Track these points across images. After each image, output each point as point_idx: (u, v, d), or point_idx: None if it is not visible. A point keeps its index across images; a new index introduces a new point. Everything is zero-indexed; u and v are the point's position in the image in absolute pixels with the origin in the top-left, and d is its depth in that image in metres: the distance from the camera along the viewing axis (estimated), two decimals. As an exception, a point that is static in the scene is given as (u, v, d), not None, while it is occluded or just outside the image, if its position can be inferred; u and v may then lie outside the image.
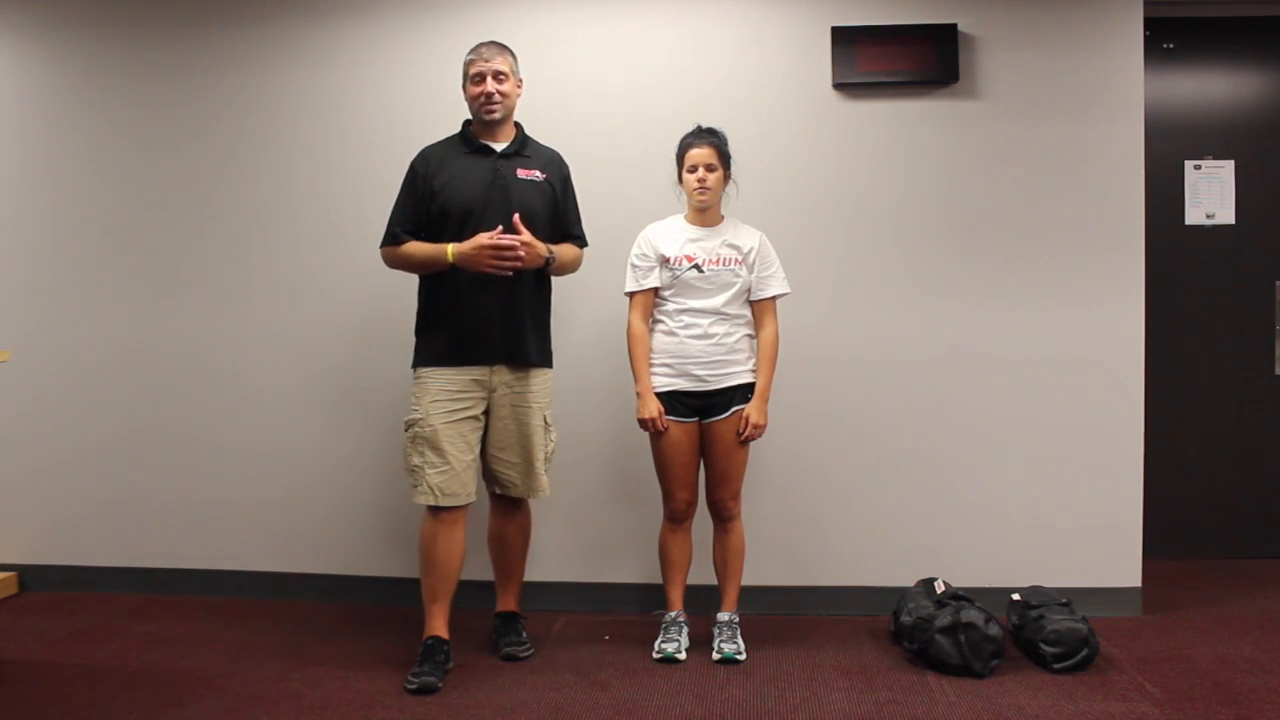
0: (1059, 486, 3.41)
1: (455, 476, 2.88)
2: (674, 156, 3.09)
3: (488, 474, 3.05)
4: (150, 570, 3.71)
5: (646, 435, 3.08)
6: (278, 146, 3.64)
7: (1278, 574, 3.81)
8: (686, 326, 3.02)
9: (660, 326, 3.07)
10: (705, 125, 3.08)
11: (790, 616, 3.41)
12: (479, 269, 2.83)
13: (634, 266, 3.08)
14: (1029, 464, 3.42)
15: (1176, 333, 3.95)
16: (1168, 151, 3.91)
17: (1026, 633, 2.98)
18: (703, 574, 3.19)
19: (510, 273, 2.87)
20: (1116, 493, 3.39)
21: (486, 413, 2.97)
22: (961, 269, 3.44)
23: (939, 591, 3.08)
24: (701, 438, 3.05)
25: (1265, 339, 4.00)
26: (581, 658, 3.04)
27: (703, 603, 3.18)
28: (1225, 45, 3.99)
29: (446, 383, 2.90)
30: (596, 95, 3.51)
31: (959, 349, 3.44)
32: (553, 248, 2.97)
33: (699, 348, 3.01)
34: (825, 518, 3.48)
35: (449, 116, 3.16)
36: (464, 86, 3.01)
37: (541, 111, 3.22)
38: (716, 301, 3.02)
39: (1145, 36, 3.40)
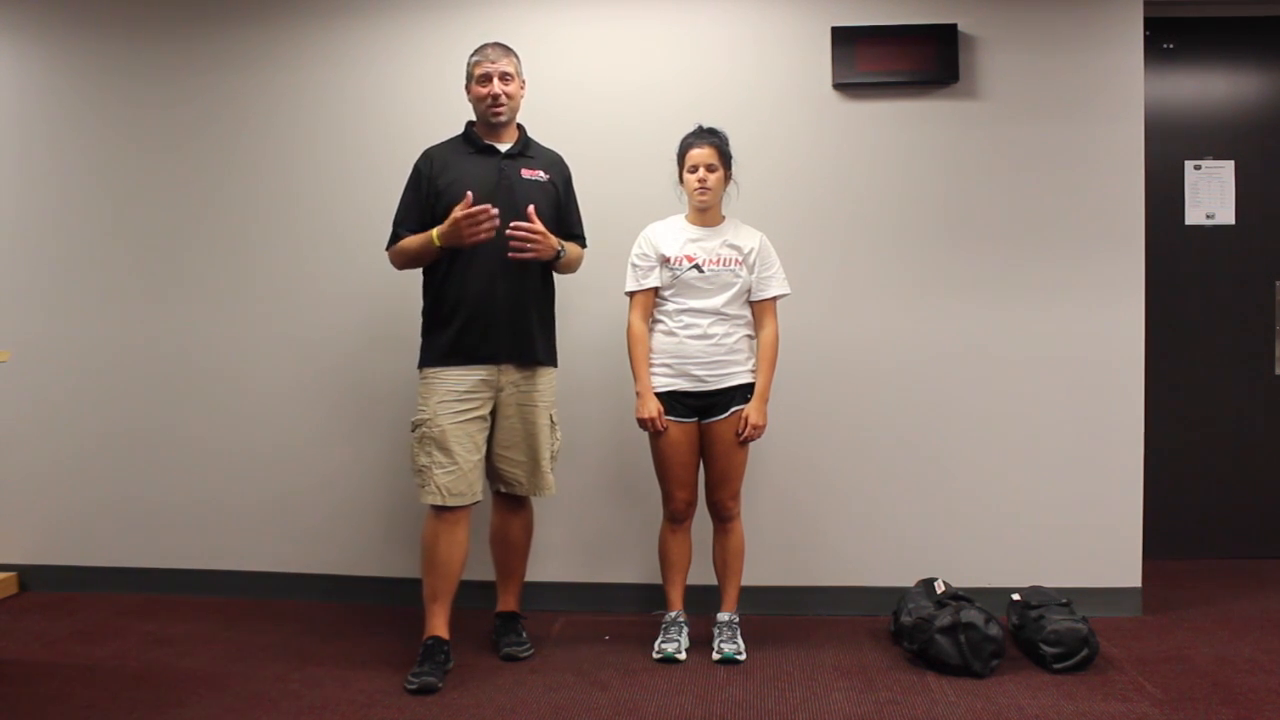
0: (1059, 486, 3.41)
1: (462, 476, 2.89)
2: (674, 156, 3.09)
3: (492, 472, 3.06)
4: (150, 570, 3.71)
5: (646, 435, 3.08)
6: (278, 146, 3.64)
7: (1278, 574, 3.81)
8: (686, 326, 3.02)
9: (660, 326, 3.07)
10: (706, 125, 3.08)
11: (790, 616, 3.41)
12: (463, 243, 2.83)
13: (634, 266, 3.08)
14: (1029, 464, 3.42)
15: (1176, 333, 3.95)
16: (1168, 151, 3.92)
17: (1026, 633, 2.98)
18: (703, 574, 3.19)
19: (530, 256, 2.88)
20: (1116, 493, 3.39)
21: (493, 412, 2.98)
22: (961, 269, 3.44)
23: (939, 591, 3.08)
24: (701, 438, 3.05)
25: (1265, 339, 4.00)
26: (581, 658, 3.04)
27: (703, 603, 3.18)
28: (1225, 45, 3.99)
29: (454, 383, 2.91)
30: (596, 95, 3.51)
31: (959, 349, 3.44)
32: (564, 243, 2.99)
33: (699, 348, 3.01)
34: (825, 518, 3.48)
35: (450, 116, 3.17)
36: (468, 87, 3.02)
37: (542, 111, 3.22)
38: (716, 302, 3.02)
39: (1145, 36, 3.40)
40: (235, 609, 3.52)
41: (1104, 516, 3.39)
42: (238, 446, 3.67)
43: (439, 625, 2.90)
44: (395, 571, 3.56)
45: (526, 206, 2.89)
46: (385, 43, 3.59)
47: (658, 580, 3.19)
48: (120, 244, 3.72)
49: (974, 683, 2.80)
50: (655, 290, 3.06)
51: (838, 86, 3.45)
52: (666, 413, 3.02)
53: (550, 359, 3.06)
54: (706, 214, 3.07)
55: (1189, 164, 3.98)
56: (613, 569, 3.53)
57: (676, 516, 3.09)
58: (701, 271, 3.01)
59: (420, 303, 3.04)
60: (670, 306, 3.04)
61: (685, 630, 3.08)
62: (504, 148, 3.01)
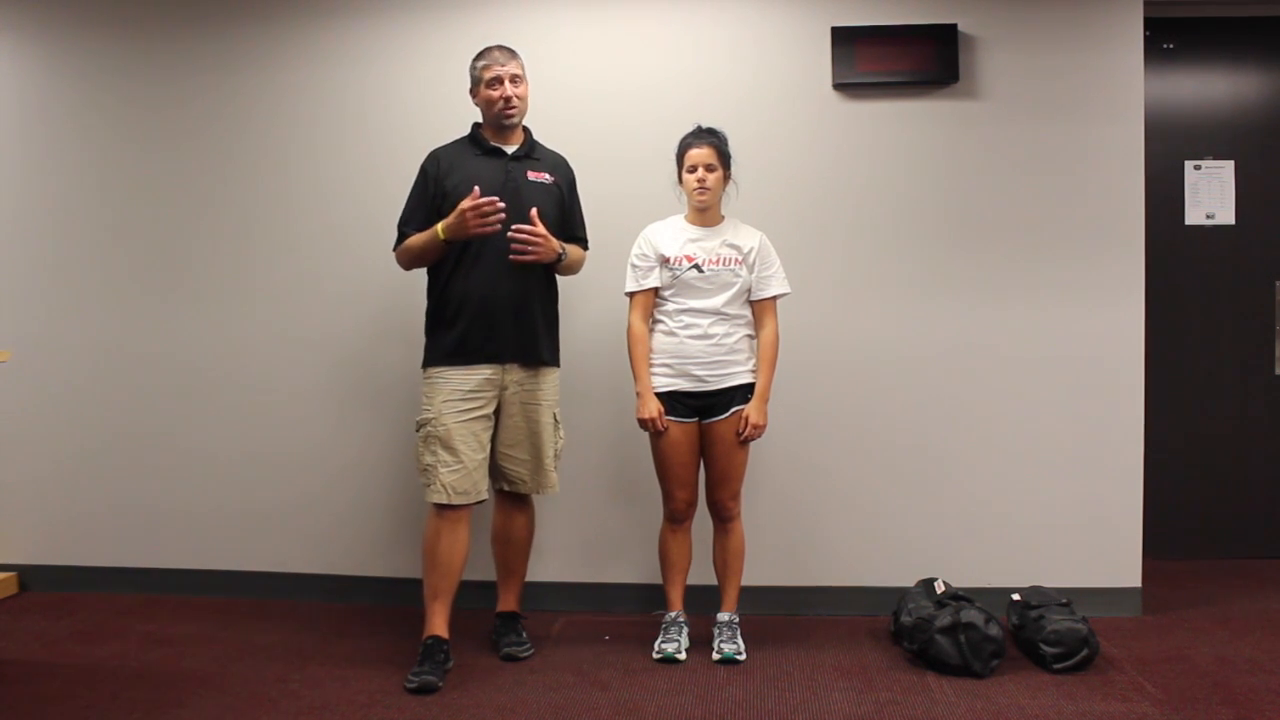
0: (1059, 486, 3.41)
1: (467, 475, 2.89)
2: (674, 156, 3.09)
3: (495, 471, 3.06)
4: (150, 570, 3.71)
5: (646, 435, 3.08)
6: (279, 146, 3.64)
7: (1278, 574, 3.81)
8: (686, 327, 3.02)
9: (660, 327, 3.07)
10: (705, 125, 3.08)
11: (790, 616, 3.41)
12: (468, 235, 2.84)
13: (634, 267, 3.08)
14: (1029, 464, 3.42)
15: (1176, 333, 3.95)
16: (1168, 151, 3.92)
17: (1026, 633, 2.98)
18: (703, 574, 3.19)
19: (532, 259, 2.89)
20: (1116, 493, 3.39)
21: (496, 411, 2.98)
22: (961, 269, 3.44)
23: (939, 591, 3.08)
24: (701, 438, 3.05)
25: (1265, 339, 4.00)
26: (581, 658, 3.04)
27: (703, 603, 3.18)
28: (1225, 45, 3.99)
29: (459, 382, 2.91)
30: (596, 95, 3.51)
31: (959, 349, 3.44)
32: (566, 246, 3.00)
33: (699, 348, 3.01)
34: (825, 518, 3.48)
35: (450, 115, 3.17)
36: (473, 90, 3.02)
37: (542, 111, 3.21)
38: (716, 301, 3.02)
39: (1145, 36, 3.40)
40: (235, 609, 3.52)
41: (1104, 516, 3.39)
42: (238, 447, 3.67)
43: (439, 624, 2.90)
44: (396, 572, 3.56)
45: (531, 209, 2.90)
46: (385, 43, 3.59)
47: (658, 580, 3.19)
48: (120, 244, 3.72)
49: (974, 683, 2.80)
50: (655, 290, 3.06)
51: (838, 86, 3.45)
52: (667, 413, 3.02)
53: (554, 359, 3.07)
54: (706, 214, 3.07)
55: (1189, 164, 3.98)
56: (613, 569, 3.53)
57: (677, 516, 3.09)
58: (701, 271, 3.01)
59: (424, 303, 3.04)
60: (670, 306, 3.04)
61: (685, 630, 3.08)
62: (510, 150, 3.02)
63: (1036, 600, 3.03)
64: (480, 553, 3.21)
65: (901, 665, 2.96)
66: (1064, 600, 3.02)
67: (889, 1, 3.44)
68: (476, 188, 2.83)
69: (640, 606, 3.43)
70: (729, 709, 2.66)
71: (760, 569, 3.33)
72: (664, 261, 3.04)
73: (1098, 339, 3.40)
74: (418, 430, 2.95)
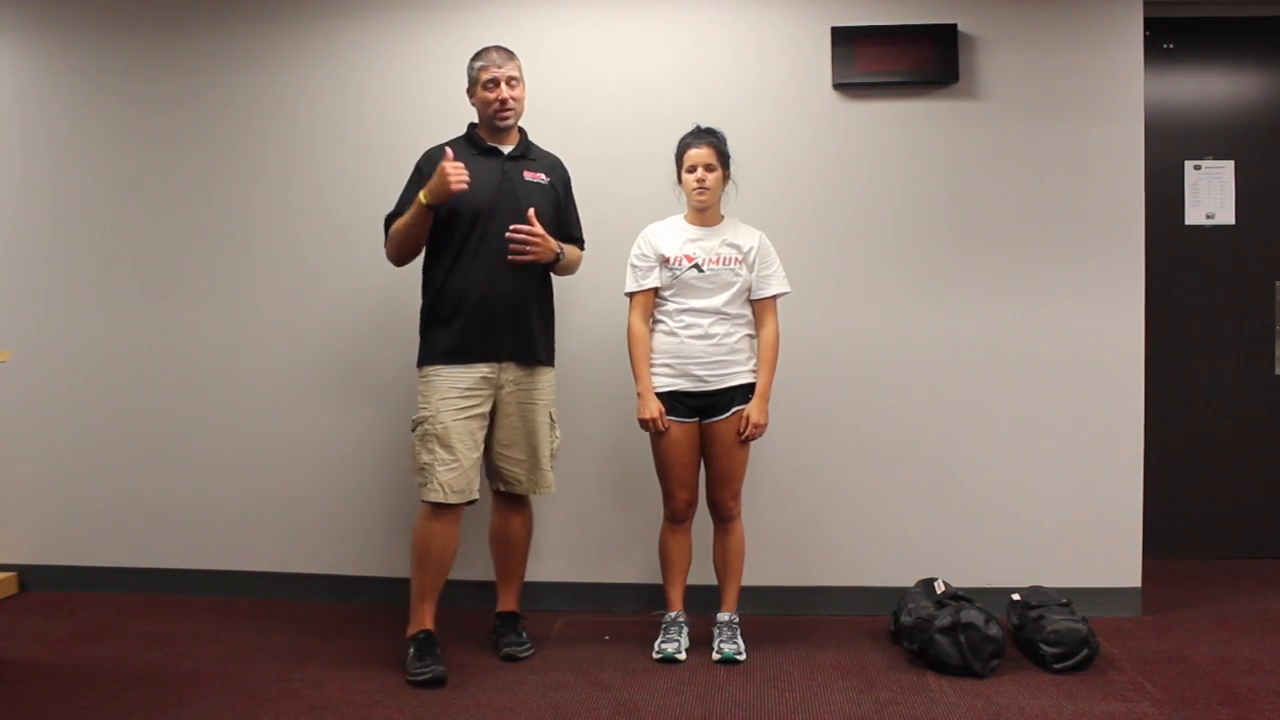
0: (1059, 486, 3.41)
1: (463, 473, 2.89)
2: (673, 156, 3.08)
3: (491, 471, 3.06)
4: (150, 570, 3.71)
5: (647, 435, 3.08)
6: (278, 146, 3.64)
7: (1278, 574, 3.81)
8: (687, 326, 3.02)
9: (660, 327, 3.07)
10: (704, 125, 3.08)
11: (790, 616, 3.41)
12: (448, 191, 2.81)
13: (634, 267, 3.08)
14: (1029, 464, 3.42)
15: (1176, 332, 3.95)
16: (1168, 151, 3.91)
17: (1026, 633, 2.98)
18: (703, 574, 3.19)
19: (530, 259, 2.90)
20: (1116, 493, 3.39)
21: (492, 411, 2.98)
22: (961, 269, 3.44)
23: (939, 591, 3.08)
24: (702, 438, 3.05)
25: (1265, 339, 4.00)
26: (581, 658, 3.04)
27: (703, 603, 3.18)
28: (1225, 45, 3.99)
29: (455, 380, 2.91)
30: (596, 95, 3.51)
31: (959, 349, 3.44)
32: (563, 245, 3.01)
33: (699, 348, 3.01)
34: (825, 518, 3.48)
35: (449, 114, 3.17)
36: (470, 90, 3.03)
37: (541, 112, 3.22)
38: (717, 301, 3.02)
39: (1145, 36, 3.40)
40: (235, 609, 3.52)
41: (1104, 516, 3.39)
42: (238, 446, 3.67)
43: (429, 620, 2.91)
44: (395, 571, 3.54)
45: (529, 209, 2.90)
46: (385, 43, 3.59)
47: (658, 580, 3.19)
48: (120, 244, 3.72)
49: (974, 683, 2.80)
50: (655, 290, 3.06)
51: (838, 86, 3.45)
52: (668, 413, 3.02)
53: (550, 358, 3.08)
54: (705, 214, 3.07)
55: (1189, 164, 3.98)
56: (613, 569, 3.52)
57: (677, 516, 3.09)
58: (701, 271, 3.01)
59: (420, 301, 3.04)
60: (671, 306, 3.04)
61: (685, 630, 3.08)
62: (507, 150, 3.03)
63: (1036, 600, 3.03)
64: (479, 553, 3.21)
65: (901, 665, 2.96)
66: (1064, 600, 3.02)
67: (889, 1, 3.44)
68: (449, 149, 2.84)
69: (640, 606, 3.43)
70: (729, 709, 2.66)
71: (760, 569, 3.33)
72: (664, 261, 3.04)
73: (1098, 339, 3.40)
74: (414, 429, 2.95)
